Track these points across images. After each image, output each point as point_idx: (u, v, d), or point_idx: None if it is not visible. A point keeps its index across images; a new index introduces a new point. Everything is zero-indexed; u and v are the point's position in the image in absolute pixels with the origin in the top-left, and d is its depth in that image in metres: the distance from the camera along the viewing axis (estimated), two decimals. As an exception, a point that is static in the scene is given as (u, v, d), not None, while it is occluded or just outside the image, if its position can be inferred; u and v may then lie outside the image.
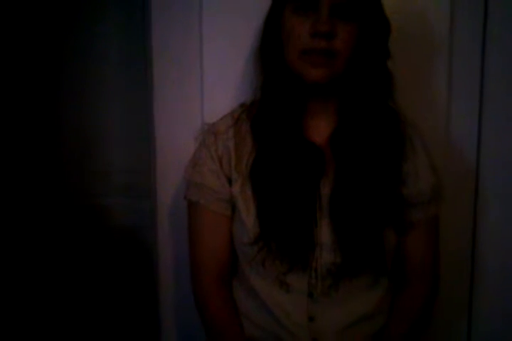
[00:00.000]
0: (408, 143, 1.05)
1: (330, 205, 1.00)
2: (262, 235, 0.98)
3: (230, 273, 1.08)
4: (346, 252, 0.98)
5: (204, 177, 1.03)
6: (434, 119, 1.24)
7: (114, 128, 1.76)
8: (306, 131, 1.03)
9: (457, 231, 1.27)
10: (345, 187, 0.99)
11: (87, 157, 1.77)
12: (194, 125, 1.17)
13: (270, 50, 1.01)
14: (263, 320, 1.03)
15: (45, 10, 1.71)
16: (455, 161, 1.26)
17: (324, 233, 0.99)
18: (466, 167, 1.27)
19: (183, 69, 1.21)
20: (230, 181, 1.03)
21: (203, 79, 1.21)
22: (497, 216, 1.28)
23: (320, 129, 1.04)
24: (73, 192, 1.79)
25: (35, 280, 1.76)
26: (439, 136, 1.23)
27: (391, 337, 1.06)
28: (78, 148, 1.76)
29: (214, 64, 1.20)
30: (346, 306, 1.02)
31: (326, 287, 1.00)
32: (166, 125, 1.23)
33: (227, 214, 1.04)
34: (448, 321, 1.31)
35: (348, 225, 0.98)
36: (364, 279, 1.03)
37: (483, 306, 1.31)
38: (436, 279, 1.11)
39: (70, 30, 1.75)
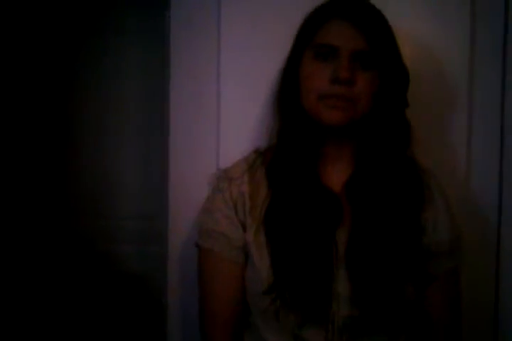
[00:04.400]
0: (426, 191, 1.04)
1: (346, 255, 0.97)
2: (275, 285, 0.94)
3: (242, 326, 1.03)
4: (364, 305, 0.94)
5: (218, 224, 1.01)
6: (454, 170, 1.22)
7: (127, 174, 1.76)
8: (321, 176, 1.01)
9: (478, 287, 1.21)
10: (362, 237, 0.97)
11: (100, 202, 1.77)
12: (208, 171, 1.15)
13: (287, 94, 1.01)
14: None
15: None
16: (476, 213, 1.22)
17: (341, 284, 0.96)
18: (486, 218, 1.23)
19: (200, 114, 1.21)
20: (244, 227, 1.00)
21: (219, 125, 1.21)
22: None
23: (336, 174, 1.03)
24: (85, 238, 1.77)
25: (46, 325, 1.73)
26: (458, 186, 1.21)
27: None
28: (91, 193, 1.76)
29: (230, 109, 1.20)
30: None
31: None
32: (180, 171, 1.22)
33: (240, 262, 1.01)
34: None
35: (366, 277, 0.95)
36: (382, 336, 0.98)
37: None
38: (459, 334, 1.07)
39: (90, 81, 1.79)
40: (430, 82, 1.19)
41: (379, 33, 0.96)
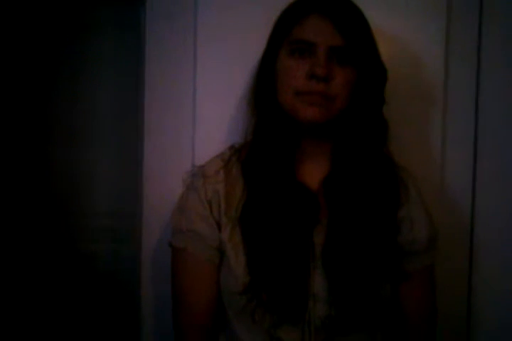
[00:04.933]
0: (403, 189, 1.04)
1: (323, 254, 0.96)
2: (251, 285, 0.93)
3: (217, 326, 1.02)
4: (341, 304, 0.94)
5: (192, 223, 0.99)
6: (428, 168, 1.23)
7: (100, 172, 1.73)
8: (298, 174, 1.00)
9: (452, 284, 1.23)
10: (338, 236, 0.96)
11: (72, 200, 1.73)
12: (183, 168, 1.13)
13: (264, 90, 1.00)
14: None
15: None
16: (449, 210, 1.23)
17: (318, 284, 0.95)
18: (460, 217, 1.25)
19: (175, 110, 1.19)
20: (218, 226, 0.98)
21: (195, 121, 1.19)
22: (492, 267, 1.26)
23: (313, 172, 1.01)
24: (57, 236, 1.74)
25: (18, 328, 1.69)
26: (433, 185, 1.22)
27: None
28: (62, 191, 1.73)
29: (206, 105, 1.19)
30: None
31: None
32: (155, 167, 1.20)
33: (215, 262, 0.99)
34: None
35: (342, 276, 0.95)
36: (359, 334, 0.98)
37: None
38: (433, 331, 1.07)
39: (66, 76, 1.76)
40: (405, 80, 1.19)
41: (356, 29, 0.95)
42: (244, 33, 1.17)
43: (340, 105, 0.96)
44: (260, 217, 0.96)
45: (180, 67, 1.19)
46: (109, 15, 1.75)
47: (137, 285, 1.23)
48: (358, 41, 0.95)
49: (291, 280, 0.93)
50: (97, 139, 1.75)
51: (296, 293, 0.93)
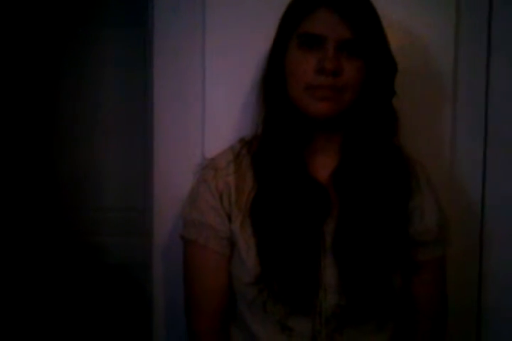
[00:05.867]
0: (413, 180, 1.04)
1: (333, 245, 0.97)
2: (263, 275, 0.94)
3: (228, 317, 1.03)
4: (351, 294, 0.95)
5: (203, 214, 1.00)
6: (438, 159, 1.23)
7: (110, 164, 1.74)
8: (308, 167, 1.01)
9: (462, 273, 1.23)
10: (349, 226, 0.97)
11: (85, 194, 1.75)
12: (194, 161, 1.14)
13: (273, 84, 1.00)
14: None
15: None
16: (459, 201, 1.23)
17: (328, 273, 0.96)
18: (470, 206, 1.25)
19: (184, 104, 1.20)
20: (229, 218, 1.00)
21: (205, 114, 1.20)
22: (503, 257, 1.25)
23: (323, 165, 1.02)
24: (70, 230, 1.76)
25: (30, 316, 1.72)
26: (443, 175, 1.21)
27: None
28: (75, 185, 1.74)
29: (215, 98, 1.20)
30: None
31: (331, 331, 0.96)
32: (165, 160, 1.21)
33: (226, 254, 1.00)
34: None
35: (353, 266, 0.96)
36: (370, 323, 0.99)
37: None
38: (444, 321, 1.08)
39: (70, 75, 1.76)
40: (415, 72, 1.19)
41: (364, 22, 0.95)
42: (252, 26, 1.17)
43: (350, 97, 0.96)
44: (271, 209, 0.96)
45: (189, 61, 1.19)
46: (117, 10, 1.76)
47: (149, 278, 1.24)
48: (366, 34, 0.94)
49: (301, 271, 0.94)
50: (106, 134, 1.76)
51: (307, 283, 0.94)
